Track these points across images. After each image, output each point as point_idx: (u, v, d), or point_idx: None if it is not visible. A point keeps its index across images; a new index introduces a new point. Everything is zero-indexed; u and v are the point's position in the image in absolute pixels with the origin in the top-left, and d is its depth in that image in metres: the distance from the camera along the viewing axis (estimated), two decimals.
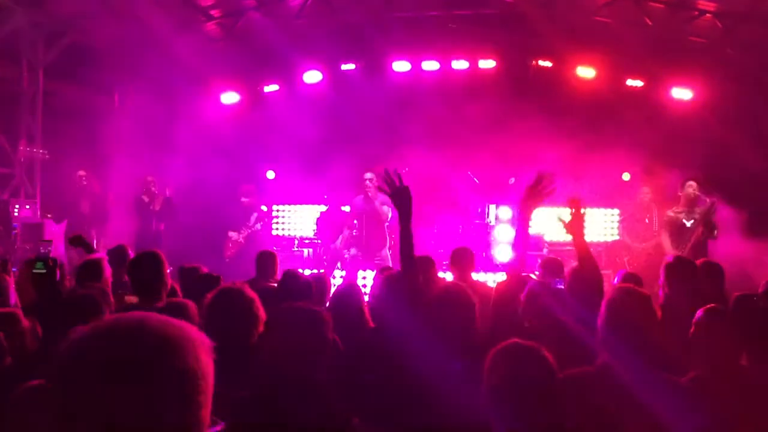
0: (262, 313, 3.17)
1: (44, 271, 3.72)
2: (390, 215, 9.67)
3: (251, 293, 3.20)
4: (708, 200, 8.79)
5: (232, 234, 10.83)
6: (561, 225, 3.99)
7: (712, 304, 3.38)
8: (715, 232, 8.63)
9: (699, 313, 3.28)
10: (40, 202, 10.24)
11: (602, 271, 8.12)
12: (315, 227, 11.49)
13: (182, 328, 1.14)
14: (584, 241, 3.95)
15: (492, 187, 11.63)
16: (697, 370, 3.12)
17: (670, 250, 8.73)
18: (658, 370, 2.91)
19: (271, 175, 12.21)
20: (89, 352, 1.07)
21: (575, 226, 3.93)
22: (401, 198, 3.73)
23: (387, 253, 9.86)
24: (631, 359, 2.88)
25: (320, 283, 5.26)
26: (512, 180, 11.51)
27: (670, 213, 9.19)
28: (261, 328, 3.14)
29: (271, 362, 2.64)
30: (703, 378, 3.05)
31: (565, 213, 4.03)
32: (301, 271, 5.87)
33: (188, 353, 1.10)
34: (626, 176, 11.44)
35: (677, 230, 8.99)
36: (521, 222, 3.89)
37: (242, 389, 2.53)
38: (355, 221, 10.11)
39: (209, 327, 3.11)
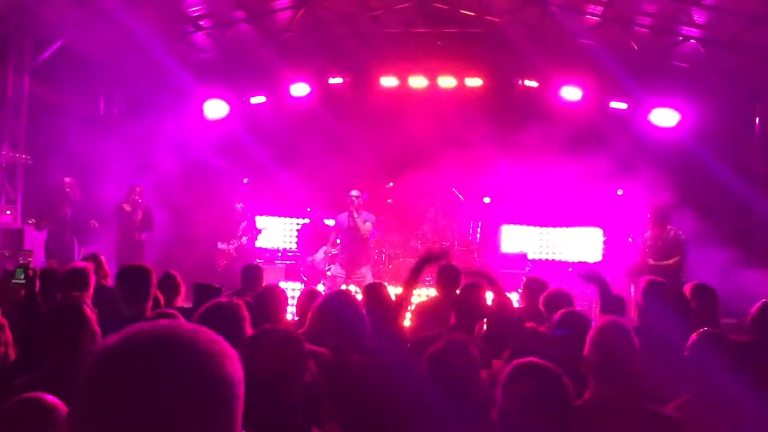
0: (249, 330, 3.15)
1: (23, 281, 3.68)
2: (369, 229, 9.68)
3: (243, 311, 3.19)
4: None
5: (221, 245, 10.73)
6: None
7: (705, 327, 3.40)
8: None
9: (693, 336, 3.30)
10: (21, 208, 10.13)
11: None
12: (296, 240, 11.50)
13: (214, 336, 1.08)
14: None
15: (477, 204, 11.69)
16: (689, 394, 3.13)
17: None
18: (645, 403, 2.92)
19: (245, 180, 12.09)
20: (118, 366, 0.98)
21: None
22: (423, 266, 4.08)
23: (367, 270, 9.85)
24: (618, 393, 2.89)
25: (311, 297, 5.25)
26: (487, 199, 11.60)
27: (647, 241, 9.33)
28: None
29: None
30: (696, 401, 3.06)
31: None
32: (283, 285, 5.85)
33: (224, 361, 1.04)
34: (620, 192, 11.48)
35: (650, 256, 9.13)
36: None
37: None
38: (338, 239, 10.13)
39: None
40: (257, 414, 2.56)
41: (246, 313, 3.19)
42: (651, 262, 8.80)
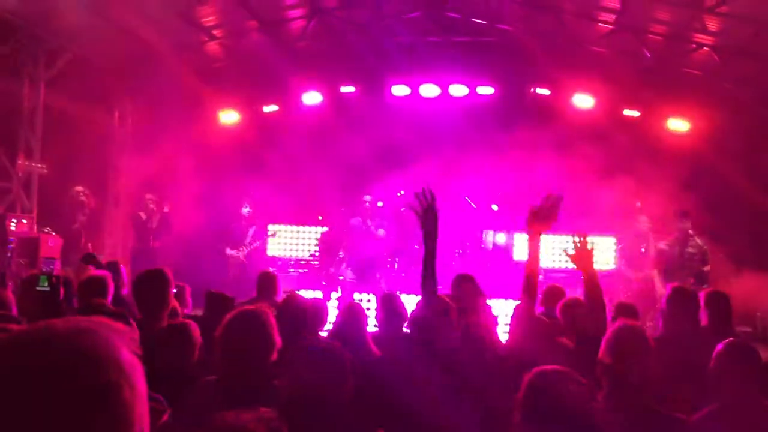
0: (277, 339, 3.14)
1: (48, 288, 3.69)
2: (382, 235, 9.67)
3: (271, 319, 3.18)
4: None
5: (231, 252, 10.73)
6: (567, 257, 3.98)
7: (732, 338, 3.38)
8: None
9: (719, 346, 3.28)
10: (36, 217, 10.19)
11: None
12: (317, 248, 11.46)
13: (91, 331, 1.02)
14: (593, 273, 3.91)
15: (488, 212, 11.67)
16: (717, 404, 3.12)
17: (660, 288, 8.80)
18: (660, 409, 2.90)
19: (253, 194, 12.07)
20: None
21: (582, 258, 3.92)
22: (428, 218, 3.76)
23: (380, 277, 9.85)
24: (632, 397, 2.88)
25: (317, 308, 5.25)
26: (495, 207, 11.56)
27: (663, 246, 9.26)
28: (274, 354, 3.11)
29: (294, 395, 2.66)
30: (723, 411, 3.04)
31: (569, 244, 4.03)
32: (302, 294, 5.86)
33: (103, 362, 0.98)
34: (638, 204, 11.39)
35: (670, 263, 9.07)
36: (531, 246, 3.84)
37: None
38: (350, 245, 10.13)
39: (223, 347, 3.08)
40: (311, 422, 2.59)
41: (274, 321, 3.17)
42: (706, 268, 8.73)
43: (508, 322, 7.34)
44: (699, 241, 9.01)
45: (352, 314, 4.49)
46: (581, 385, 2.45)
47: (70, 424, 0.95)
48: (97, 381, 0.97)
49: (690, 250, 8.93)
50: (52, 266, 3.89)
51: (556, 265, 11.27)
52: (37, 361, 0.96)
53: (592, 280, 3.89)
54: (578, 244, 3.93)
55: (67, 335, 1.00)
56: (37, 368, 0.95)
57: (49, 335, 1.00)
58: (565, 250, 3.98)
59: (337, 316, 4.48)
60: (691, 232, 9.03)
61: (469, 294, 5.61)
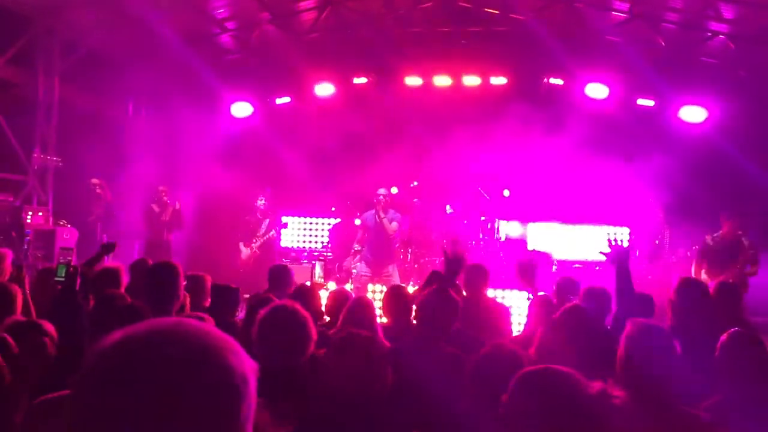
0: (314, 333, 3.14)
1: (65, 278, 3.73)
2: (395, 229, 9.67)
3: (305, 312, 3.16)
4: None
5: (244, 249, 10.77)
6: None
7: (736, 328, 3.38)
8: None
9: (723, 337, 3.28)
10: (52, 210, 10.29)
11: None
12: (327, 239, 11.50)
13: (221, 335, 1.04)
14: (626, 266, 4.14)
15: (502, 203, 11.65)
16: (721, 394, 3.11)
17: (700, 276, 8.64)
18: (678, 406, 2.89)
19: (267, 190, 12.09)
20: (117, 359, 0.95)
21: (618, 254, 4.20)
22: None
23: (393, 269, 9.85)
24: (650, 395, 2.86)
25: (341, 297, 5.27)
26: (506, 192, 11.53)
27: (709, 242, 9.07)
28: (312, 348, 3.12)
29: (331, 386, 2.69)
30: (728, 402, 3.04)
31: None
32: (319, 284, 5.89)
33: (231, 359, 1.00)
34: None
35: (712, 258, 8.90)
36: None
37: (291, 407, 2.53)
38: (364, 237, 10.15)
39: (261, 343, 3.08)
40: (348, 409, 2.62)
41: (307, 314, 3.17)
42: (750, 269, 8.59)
43: (521, 312, 7.36)
44: (746, 242, 8.81)
45: (361, 307, 4.50)
46: (575, 383, 2.39)
47: (198, 424, 0.96)
48: (225, 380, 0.99)
49: (735, 249, 8.72)
50: (69, 257, 3.93)
51: (570, 257, 11.24)
52: (179, 358, 0.97)
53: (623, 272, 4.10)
54: (613, 243, 4.20)
55: (195, 336, 1.01)
56: (180, 365, 0.96)
57: (181, 333, 1.00)
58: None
59: (345, 309, 4.47)
60: (740, 232, 8.86)
61: (476, 285, 5.63)
